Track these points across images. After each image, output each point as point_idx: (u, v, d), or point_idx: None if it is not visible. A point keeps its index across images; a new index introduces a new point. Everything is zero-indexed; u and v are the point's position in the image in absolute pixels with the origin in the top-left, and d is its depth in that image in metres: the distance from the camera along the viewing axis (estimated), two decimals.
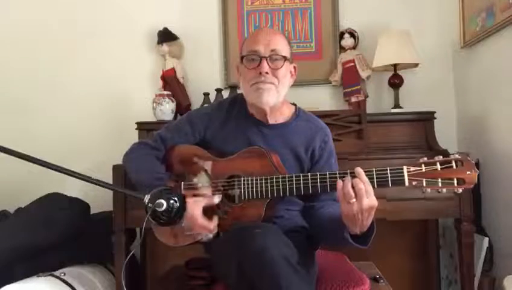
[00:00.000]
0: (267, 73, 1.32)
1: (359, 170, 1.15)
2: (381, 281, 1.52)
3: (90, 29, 2.62)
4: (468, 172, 1.13)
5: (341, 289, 1.30)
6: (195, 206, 1.25)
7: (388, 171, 1.16)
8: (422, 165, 1.15)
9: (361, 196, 1.11)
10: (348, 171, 1.18)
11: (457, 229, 1.93)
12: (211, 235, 1.29)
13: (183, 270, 1.51)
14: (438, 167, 1.14)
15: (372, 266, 1.69)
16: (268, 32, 1.39)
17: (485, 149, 2.14)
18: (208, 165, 1.37)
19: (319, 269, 1.40)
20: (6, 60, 2.63)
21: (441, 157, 1.16)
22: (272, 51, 1.33)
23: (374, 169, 1.17)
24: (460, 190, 1.14)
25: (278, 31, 1.43)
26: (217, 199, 1.29)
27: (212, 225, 1.27)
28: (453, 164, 1.14)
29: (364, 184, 1.12)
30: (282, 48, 1.35)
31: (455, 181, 1.13)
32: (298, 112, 1.46)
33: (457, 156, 1.15)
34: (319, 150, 1.41)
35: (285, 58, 1.35)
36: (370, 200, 1.12)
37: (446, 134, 2.33)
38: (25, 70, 2.63)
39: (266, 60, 1.32)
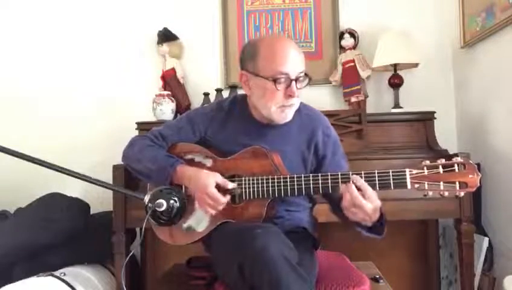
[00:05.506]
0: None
1: (356, 178, 1.17)
2: (381, 281, 1.52)
3: (91, 29, 2.62)
4: (470, 175, 1.13)
5: (341, 289, 1.30)
6: (210, 176, 1.28)
7: (390, 174, 1.17)
8: (425, 168, 1.15)
9: (362, 206, 1.14)
10: (350, 172, 1.19)
11: (457, 229, 1.93)
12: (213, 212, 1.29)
13: (184, 270, 1.51)
14: (440, 170, 1.14)
15: (372, 266, 1.69)
16: (294, 49, 1.31)
17: (484, 149, 2.14)
18: (209, 164, 1.37)
19: (319, 269, 1.39)
20: (7, 60, 2.64)
21: (444, 160, 1.16)
22: (300, 72, 1.30)
23: (376, 171, 1.17)
24: (462, 194, 1.15)
25: (295, 44, 1.35)
26: (231, 185, 1.29)
27: (222, 199, 1.27)
28: (456, 167, 1.14)
29: (362, 190, 1.15)
30: (304, 65, 1.33)
31: (457, 185, 1.14)
32: (298, 107, 1.44)
33: (459, 159, 1.15)
34: (322, 144, 1.41)
35: (306, 76, 1.33)
36: (373, 204, 1.15)
37: (446, 134, 2.34)
38: (25, 70, 2.63)
39: (296, 82, 1.30)
